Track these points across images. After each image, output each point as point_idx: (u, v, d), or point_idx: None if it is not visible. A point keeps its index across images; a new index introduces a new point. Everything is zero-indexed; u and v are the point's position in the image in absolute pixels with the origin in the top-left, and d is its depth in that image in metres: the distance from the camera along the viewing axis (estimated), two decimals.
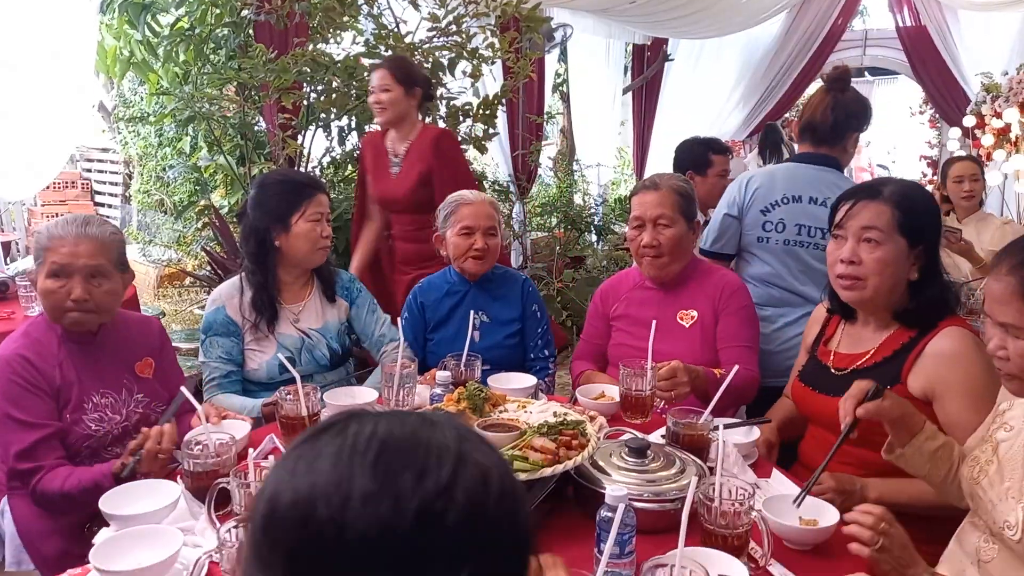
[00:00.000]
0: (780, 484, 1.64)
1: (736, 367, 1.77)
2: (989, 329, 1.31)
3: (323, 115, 3.86)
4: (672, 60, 7.96)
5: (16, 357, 1.72)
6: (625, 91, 8.06)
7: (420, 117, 3.17)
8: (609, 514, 1.28)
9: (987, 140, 5.76)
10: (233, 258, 3.66)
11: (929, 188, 6.72)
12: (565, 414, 1.60)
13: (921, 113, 8.40)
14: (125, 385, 1.86)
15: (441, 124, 4.00)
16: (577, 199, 7.32)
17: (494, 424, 1.53)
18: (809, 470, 1.82)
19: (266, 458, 1.56)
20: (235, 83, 3.92)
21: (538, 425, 1.50)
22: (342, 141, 4.16)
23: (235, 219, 4.15)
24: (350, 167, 4.23)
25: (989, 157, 5.74)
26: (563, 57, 7.50)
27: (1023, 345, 1.22)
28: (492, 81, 5.38)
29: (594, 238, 6.74)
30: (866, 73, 12.00)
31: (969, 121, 6.01)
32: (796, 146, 2.62)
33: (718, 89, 7.86)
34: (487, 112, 3.83)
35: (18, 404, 1.69)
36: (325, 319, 2.29)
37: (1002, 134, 5.66)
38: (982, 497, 1.36)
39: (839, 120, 2.35)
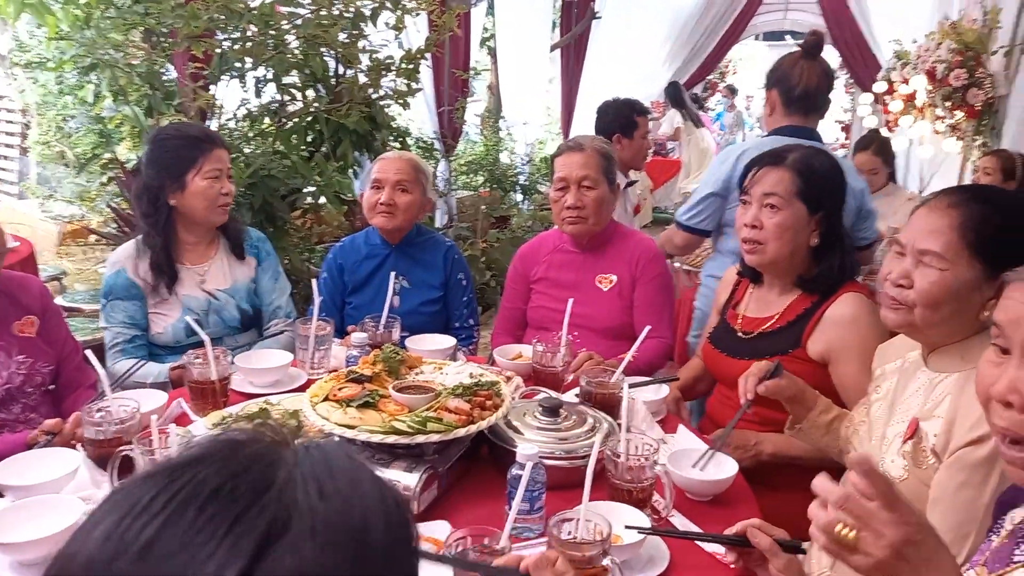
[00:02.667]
0: (686, 439, 1.70)
1: (648, 327, 1.82)
2: (891, 261, 1.34)
3: (237, 65, 3.69)
4: (600, 18, 7.94)
5: None
6: (553, 48, 8.01)
7: None
8: (519, 471, 1.31)
9: (895, 106, 6.00)
10: None
11: (841, 152, 6.99)
12: (481, 375, 1.62)
13: (837, 78, 8.67)
14: (2, 347, 1.78)
15: (362, 78, 3.89)
16: (503, 158, 7.28)
17: (409, 387, 1.53)
18: (716, 425, 1.91)
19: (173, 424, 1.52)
20: (142, 29, 3.70)
21: (453, 387, 1.51)
22: (258, 93, 4.01)
23: None
24: (267, 120, 4.09)
25: (896, 122, 5.99)
26: (491, 11, 7.39)
27: (932, 274, 1.26)
28: (417, 34, 5.25)
29: (519, 198, 6.74)
30: (787, 37, 12.28)
31: (880, 87, 6.22)
32: (766, 119, 2.49)
33: (646, 49, 7.90)
34: (409, 66, 3.74)
35: None
36: (234, 279, 2.22)
37: (909, 100, 5.90)
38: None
39: (830, 87, 2.36)
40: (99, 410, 1.46)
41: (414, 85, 3.85)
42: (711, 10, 7.76)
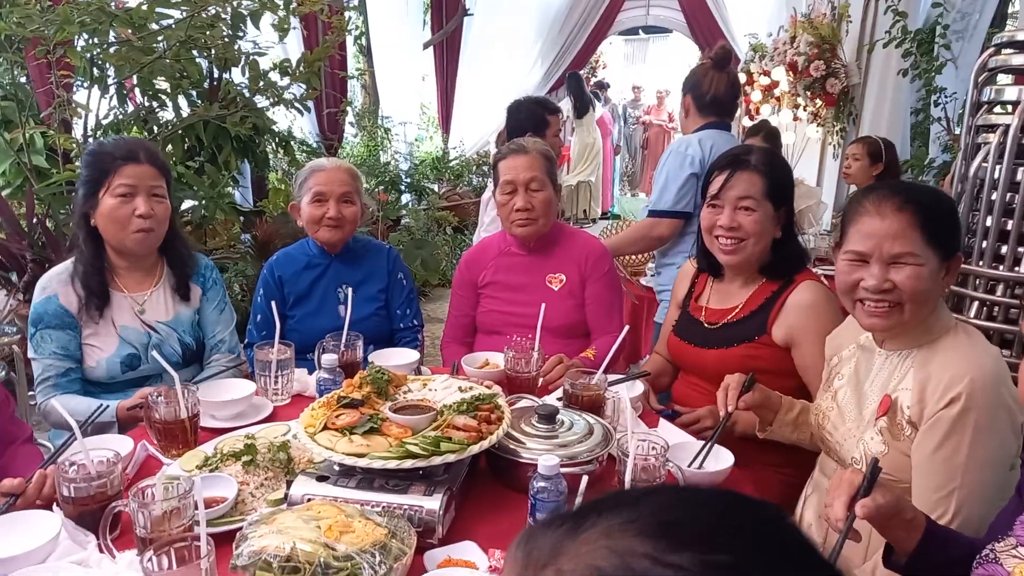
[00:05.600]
0: (667, 431, 1.77)
1: (627, 327, 1.86)
2: (855, 271, 1.40)
3: (96, 71, 3.39)
4: (471, 14, 7.96)
5: None
6: (425, 46, 7.95)
7: None
8: (544, 483, 1.32)
9: (756, 96, 6.43)
10: (19, 240, 3.17)
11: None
12: (470, 388, 1.60)
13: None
14: None
15: (241, 80, 3.71)
16: (384, 157, 7.14)
17: (406, 407, 1.49)
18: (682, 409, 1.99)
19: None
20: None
21: (456, 403, 1.48)
22: (123, 100, 3.70)
23: (13, 194, 3.59)
24: (135, 128, 3.80)
25: (758, 111, 6.42)
26: (361, 9, 7.22)
27: (912, 271, 1.34)
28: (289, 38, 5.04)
29: (408, 198, 6.64)
30: (640, 31, 12.85)
31: (740, 78, 6.65)
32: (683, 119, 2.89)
33: (518, 45, 7.99)
34: (309, 70, 3.59)
35: None
36: (176, 311, 2.04)
37: (768, 90, 6.34)
38: (829, 439, 1.57)
39: (737, 94, 2.73)
40: (71, 464, 1.31)
41: (313, 89, 3.71)
42: (579, 7, 7.96)
